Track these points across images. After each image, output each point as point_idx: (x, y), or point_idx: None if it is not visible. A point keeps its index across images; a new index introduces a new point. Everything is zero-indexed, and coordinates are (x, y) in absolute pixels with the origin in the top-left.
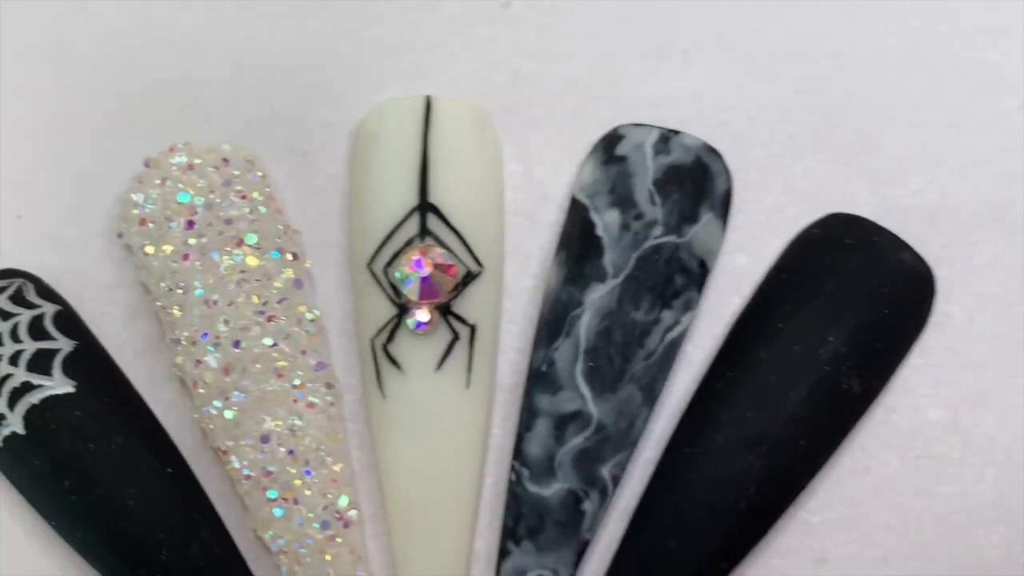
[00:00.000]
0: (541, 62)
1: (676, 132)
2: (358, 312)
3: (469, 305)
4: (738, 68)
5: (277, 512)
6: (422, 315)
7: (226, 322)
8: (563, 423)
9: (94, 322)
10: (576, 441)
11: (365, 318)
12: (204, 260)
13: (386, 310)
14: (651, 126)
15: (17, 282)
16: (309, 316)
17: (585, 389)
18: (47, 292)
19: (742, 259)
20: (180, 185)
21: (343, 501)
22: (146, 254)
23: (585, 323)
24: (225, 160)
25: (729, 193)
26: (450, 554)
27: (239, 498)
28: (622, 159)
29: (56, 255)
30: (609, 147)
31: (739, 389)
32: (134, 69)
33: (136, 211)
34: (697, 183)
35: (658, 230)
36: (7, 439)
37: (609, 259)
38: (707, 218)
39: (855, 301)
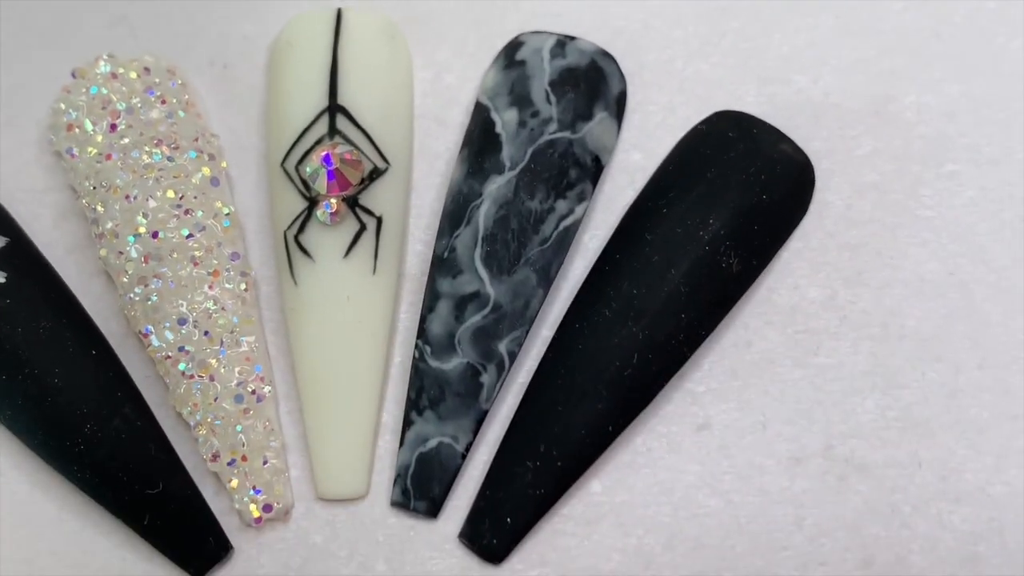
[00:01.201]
0: None
1: (572, 38)
2: (272, 209)
3: (376, 199)
4: None
5: (194, 387)
6: (331, 206)
7: (145, 215)
8: (463, 303)
9: (26, 223)
10: (474, 319)
11: (278, 212)
12: (125, 159)
13: (298, 204)
14: (549, 33)
15: None
16: (225, 211)
17: (483, 272)
18: None
19: (636, 156)
20: (104, 91)
21: (254, 377)
22: (73, 156)
23: (484, 212)
24: (147, 69)
25: (623, 95)
26: (358, 426)
27: (160, 379)
28: (522, 63)
29: None
30: (510, 53)
31: (624, 268)
32: None
33: (64, 118)
34: (591, 84)
35: (553, 127)
36: None
37: (507, 153)
38: (601, 116)
39: (734, 187)
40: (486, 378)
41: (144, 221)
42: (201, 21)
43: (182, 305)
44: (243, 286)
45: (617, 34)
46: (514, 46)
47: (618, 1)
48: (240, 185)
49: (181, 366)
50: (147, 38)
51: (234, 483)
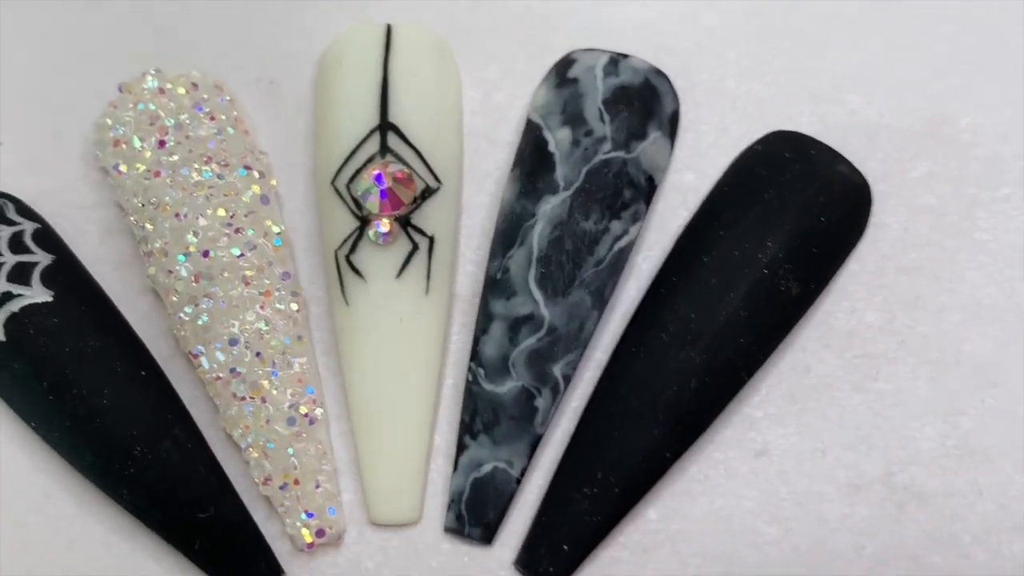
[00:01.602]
0: None
1: (625, 56)
2: (322, 227)
3: (428, 219)
4: None
5: (246, 410)
6: (383, 226)
7: (195, 234)
8: (517, 326)
9: (72, 240)
10: (529, 342)
11: (329, 232)
12: (174, 176)
13: (349, 224)
14: (601, 50)
15: None
16: (276, 229)
17: (537, 294)
18: (27, 211)
19: (689, 176)
20: (152, 107)
21: (308, 399)
22: (120, 173)
23: (538, 232)
24: (195, 85)
25: (676, 113)
26: (411, 449)
27: (210, 400)
28: (574, 81)
29: (35, 178)
30: (562, 71)
31: (681, 291)
32: (110, 3)
33: (111, 133)
34: (645, 103)
35: (607, 146)
36: None
37: (560, 173)
38: (655, 136)
39: (792, 209)
40: (541, 402)
41: (194, 240)
42: (247, 36)
43: (233, 325)
44: (294, 306)
45: (668, 53)
46: (565, 64)
47: (669, 20)
48: (288, 203)
49: (232, 387)
50: (192, 53)
51: (286, 507)
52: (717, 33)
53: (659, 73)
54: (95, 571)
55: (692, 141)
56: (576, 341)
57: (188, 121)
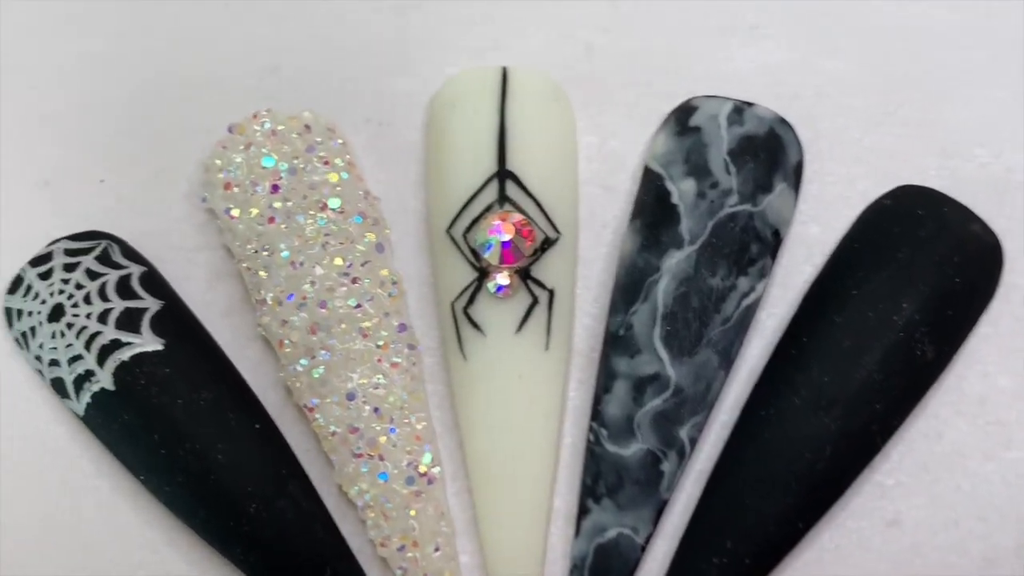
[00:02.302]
0: (613, 36)
1: (749, 104)
2: (436, 277)
3: (547, 271)
4: (805, 43)
5: (363, 468)
6: (502, 279)
7: (312, 283)
8: (642, 385)
9: (177, 284)
10: (655, 403)
11: (444, 282)
12: (289, 223)
13: (465, 274)
14: (725, 98)
15: (103, 243)
16: (392, 279)
17: (663, 352)
18: (132, 253)
19: (814, 229)
20: (264, 150)
21: (427, 458)
22: (232, 217)
23: (663, 288)
24: (307, 127)
25: (801, 164)
26: (531, 511)
27: (322, 455)
28: (696, 130)
29: (139, 219)
30: (683, 118)
31: (814, 353)
32: (214, 38)
33: (221, 175)
34: (771, 154)
35: (733, 199)
36: (96, 395)
37: (686, 226)
38: (780, 188)
39: (927, 269)
40: (667, 466)
41: (311, 289)
42: (355, 75)
43: (351, 379)
44: (412, 359)
45: (789, 100)
46: (686, 111)
47: (790, 66)
48: (398, 250)
49: (350, 443)
50: (299, 92)
51: (404, 569)
52: (840, 81)
53: (783, 122)
54: None
55: (816, 192)
56: (703, 403)
57: (302, 165)
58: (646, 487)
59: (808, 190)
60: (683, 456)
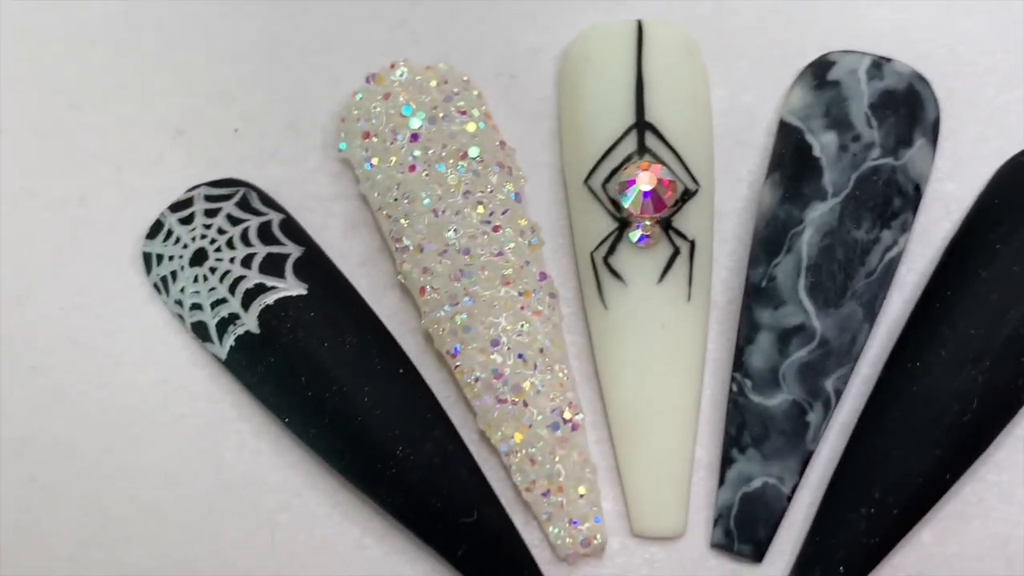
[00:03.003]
0: None
1: (887, 59)
2: (574, 228)
3: (687, 222)
4: (938, 1)
5: (508, 413)
6: (645, 229)
7: (454, 230)
8: (786, 336)
9: (314, 232)
10: (800, 354)
11: (583, 233)
12: (430, 171)
13: (605, 225)
14: (863, 53)
15: (242, 189)
16: (531, 228)
17: (808, 304)
18: (270, 201)
19: (950, 186)
20: (403, 99)
21: (570, 405)
22: (372, 166)
23: (807, 240)
24: (444, 78)
25: (938, 121)
26: (674, 461)
27: (461, 404)
28: (835, 84)
29: (274, 168)
30: (820, 72)
31: (960, 306)
32: None
33: (359, 124)
34: (910, 109)
35: (876, 152)
36: (240, 338)
37: (828, 179)
38: (920, 143)
39: None
40: (812, 417)
41: (454, 237)
42: (485, 29)
43: (494, 326)
44: (552, 308)
45: (922, 58)
46: (823, 65)
47: (923, 24)
48: (533, 202)
49: (494, 389)
50: (429, 46)
51: (549, 515)
52: (973, 39)
53: (921, 78)
54: (347, 574)
55: (951, 150)
56: (848, 355)
57: (440, 115)
58: (792, 437)
59: (943, 147)
60: (828, 408)
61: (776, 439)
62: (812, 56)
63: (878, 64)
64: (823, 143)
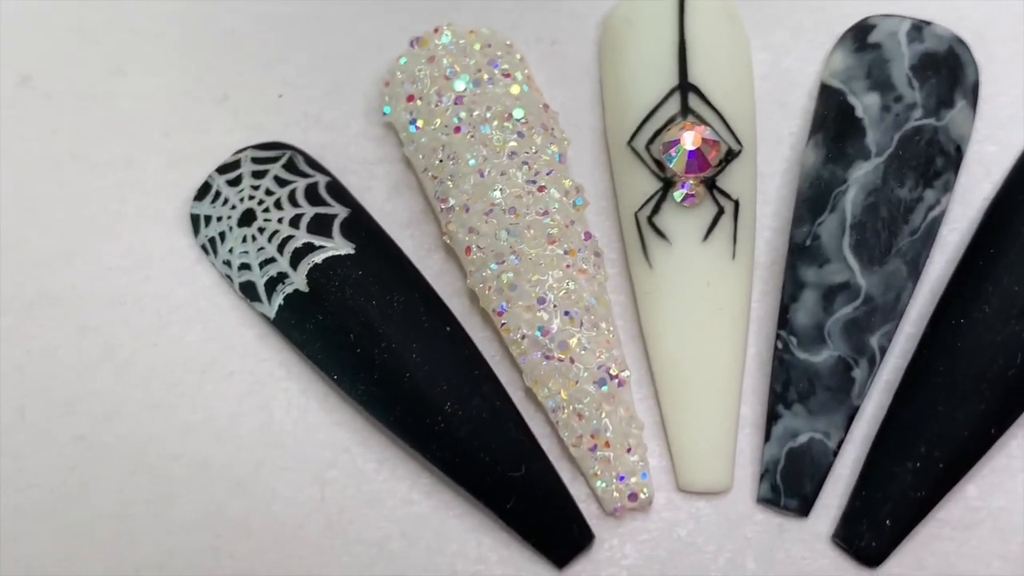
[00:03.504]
0: None
1: (927, 22)
2: (618, 188)
3: (730, 182)
4: None
5: (555, 369)
6: (690, 188)
7: (500, 190)
8: (831, 294)
9: (359, 194)
10: (845, 311)
11: (627, 193)
12: (475, 133)
13: (649, 185)
14: (902, 16)
15: (288, 152)
16: (576, 188)
17: (853, 261)
18: (315, 164)
19: (991, 148)
20: (447, 62)
21: (616, 361)
22: (417, 128)
23: (851, 199)
24: (487, 42)
25: (977, 84)
26: (720, 417)
27: (506, 363)
28: (876, 46)
29: (318, 132)
30: (860, 36)
31: (1003, 263)
32: None
33: (403, 88)
34: (951, 71)
35: (918, 112)
36: (289, 297)
37: (872, 138)
38: (961, 105)
39: None
40: (858, 373)
41: (499, 197)
42: None
43: (540, 284)
44: (597, 266)
45: (960, 22)
46: (863, 28)
47: None
48: (575, 164)
49: (541, 346)
50: (468, 11)
51: (596, 470)
52: (1012, 5)
53: (961, 41)
54: (397, 530)
55: (990, 113)
56: (892, 312)
57: (485, 77)
58: (838, 393)
59: (982, 110)
60: (874, 364)
61: (822, 395)
62: (852, 20)
63: (918, 27)
64: (865, 104)
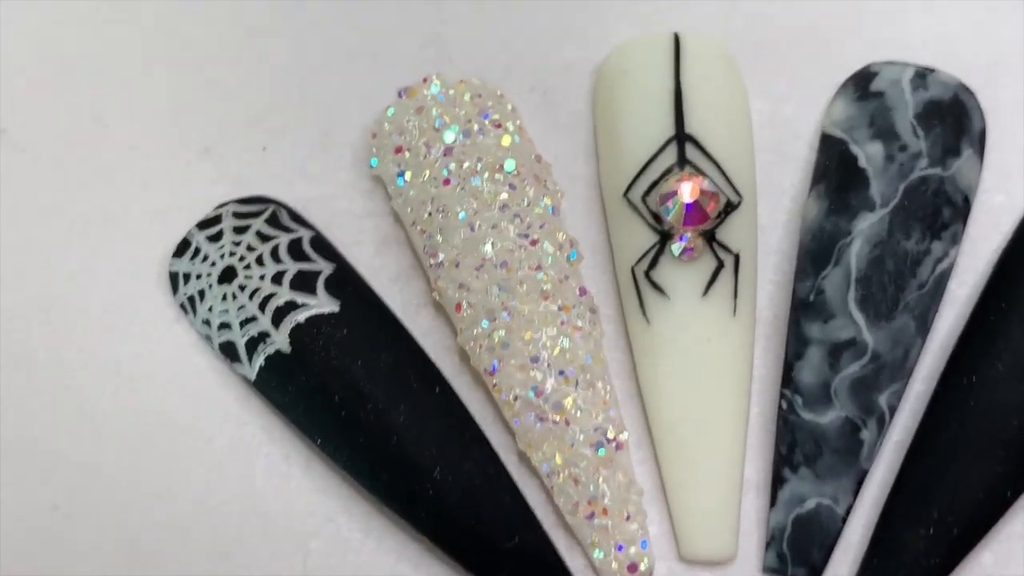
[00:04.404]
0: (778, 5)
1: (931, 69)
2: (614, 241)
3: (730, 234)
4: (980, 8)
5: (550, 432)
6: (688, 241)
7: (492, 244)
8: (837, 351)
9: (345, 250)
10: (852, 369)
11: (623, 246)
12: (465, 185)
13: (646, 238)
14: (905, 63)
15: (271, 206)
16: (569, 242)
17: (859, 317)
18: (299, 218)
19: (999, 198)
20: (436, 112)
21: (613, 423)
22: (405, 181)
23: (856, 251)
24: (477, 92)
25: (984, 132)
26: (722, 481)
27: (498, 425)
28: (878, 94)
29: (303, 185)
30: (862, 83)
31: (1015, 317)
32: (375, 5)
33: (391, 139)
34: (956, 119)
35: (923, 162)
36: (270, 358)
37: (876, 189)
38: (967, 154)
39: None
40: (866, 434)
41: (491, 251)
42: (519, 45)
43: (534, 342)
44: (593, 323)
45: (965, 68)
46: (865, 76)
47: (965, 33)
48: (569, 217)
49: (535, 408)
50: (462, 61)
51: (594, 539)
52: (1018, 49)
53: (966, 88)
54: None
55: (998, 161)
56: (901, 369)
57: (475, 128)
58: (846, 456)
59: (989, 159)
60: (883, 424)
61: (829, 457)
62: (852, 68)
63: (922, 75)
64: (869, 153)
